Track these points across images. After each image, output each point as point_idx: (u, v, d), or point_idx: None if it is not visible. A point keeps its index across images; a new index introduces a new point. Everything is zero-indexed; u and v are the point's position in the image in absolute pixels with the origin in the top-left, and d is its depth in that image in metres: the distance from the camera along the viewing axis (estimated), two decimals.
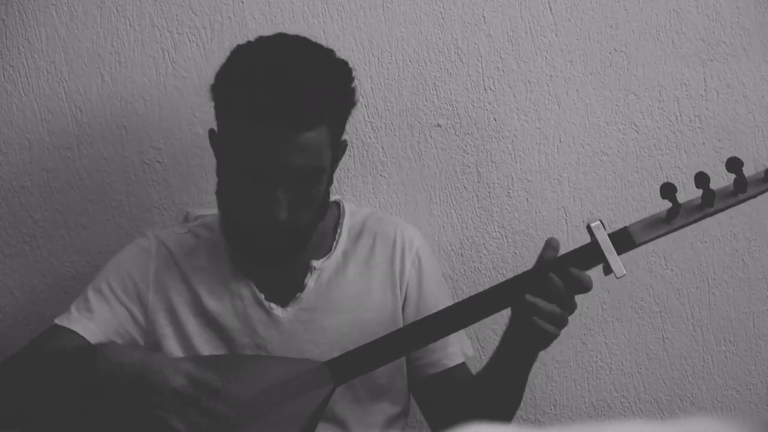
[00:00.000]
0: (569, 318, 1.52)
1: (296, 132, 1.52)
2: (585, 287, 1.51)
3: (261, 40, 1.63)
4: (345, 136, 1.65)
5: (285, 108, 1.51)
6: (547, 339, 1.53)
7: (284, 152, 1.53)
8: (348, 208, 1.76)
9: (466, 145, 1.97)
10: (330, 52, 1.63)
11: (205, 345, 1.66)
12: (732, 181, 1.50)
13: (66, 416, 1.53)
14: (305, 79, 1.54)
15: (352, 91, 1.62)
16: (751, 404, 2.02)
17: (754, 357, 2.02)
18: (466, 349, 1.73)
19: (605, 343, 2.01)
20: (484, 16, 1.95)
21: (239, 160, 1.57)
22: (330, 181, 1.65)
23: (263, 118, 1.52)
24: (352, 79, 1.62)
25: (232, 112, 1.56)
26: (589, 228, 1.52)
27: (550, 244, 1.53)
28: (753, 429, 0.83)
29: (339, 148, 1.64)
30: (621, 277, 1.50)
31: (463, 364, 1.73)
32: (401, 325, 1.69)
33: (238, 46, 1.62)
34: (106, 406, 1.48)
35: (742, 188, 1.50)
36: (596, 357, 2.01)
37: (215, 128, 1.64)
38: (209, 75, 1.61)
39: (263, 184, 1.55)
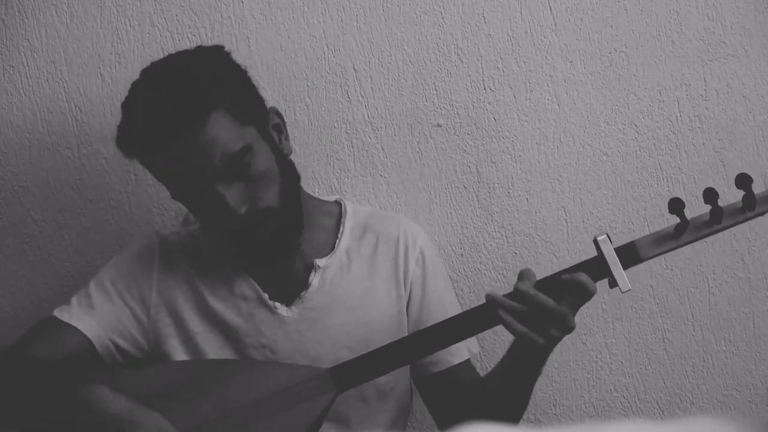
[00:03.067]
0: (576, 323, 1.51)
1: (189, 135, 1.53)
2: (588, 291, 1.49)
3: (132, 85, 1.63)
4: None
5: (165, 123, 1.52)
6: (536, 349, 1.52)
7: (194, 155, 1.53)
8: (350, 207, 1.76)
9: (466, 145, 1.97)
10: (194, 51, 1.65)
11: (210, 345, 1.66)
12: (741, 198, 1.48)
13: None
14: (168, 88, 1.55)
15: (228, 66, 1.62)
16: (751, 404, 2.02)
17: (754, 357, 2.02)
18: (471, 345, 1.73)
19: (605, 343, 2.01)
20: (484, 16, 1.95)
21: (175, 188, 1.60)
22: (280, 153, 1.63)
23: (156, 144, 1.54)
24: (225, 56, 1.62)
25: (141, 159, 1.60)
26: (595, 241, 1.51)
27: (526, 276, 1.51)
28: (753, 429, 0.83)
29: (264, 118, 1.63)
30: (626, 291, 1.50)
31: (468, 361, 1.73)
32: (406, 323, 1.70)
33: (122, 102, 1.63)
34: None
35: (751, 206, 1.49)
36: (596, 357, 2.01)
37: None
38: None
39: (205, 194, 1.56)
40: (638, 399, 2.01)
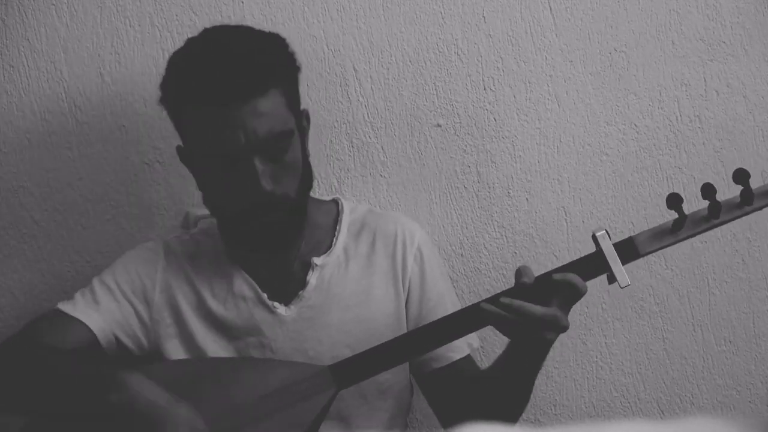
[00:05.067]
0: (569, 322, 1.52)
1: (249, 100, 1.54)
2: (578, 291, 1.50)
3: (190, 40, 1.65)
4: (304, 106, 1.68)
5: (230, 81, 1.53)
6: (537, 344, 1.52)
7: (245, 123, 1.54)
8: (347, 205, 1.77)
9: (466, 145, 1.97)
10: (260, 31, 1.66)
11: (210, 345, 1.67)
12: (738, 193, 1.49)
13: (57, 417, 1.54)
14: (241, 50, 1.57)
15: (292, 56, 1.65)
16: (751, 404, 2.02)
17: (754, 357, 2.02)
18: (471, 340, 1.73)
19: (605, 343, 2.01)
20: (484, 16, 1.95)
21: (209, 149, 1.58)
22: (305, 151, 1.65)
23: (214, 98, 1.54)
24: (287, 45, 1.65)
25: (185, 109, 1.59)
26: (594, 237, 1.51)
27: (524, 273, 1.51)
28: (753, 429, 0.83)
29: (301, 116, 1.66)
30: (625, 287, 1.50)
31: (468, 356, 1.73)
32: (405, 321, 1.70)
33: (173, 53, 1.65)
34: (105, 425, 1.48)
35: (749, 200, 1.49)
36: (596, 357, 2.01)
37: (180, 144, 1.67)
38: None
39: (239, 163, 1.57)
40: (638, 399, 2.01)
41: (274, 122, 1.56)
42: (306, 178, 1.65)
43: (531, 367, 1.59)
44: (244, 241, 1.65)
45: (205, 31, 1.67)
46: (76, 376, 1.52)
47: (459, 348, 1.71)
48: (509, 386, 1.63)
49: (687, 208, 1.50)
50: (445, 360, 1.71)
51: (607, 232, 1.51)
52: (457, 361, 1.71)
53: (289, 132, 1.59)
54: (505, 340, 1.59)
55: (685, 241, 1.98)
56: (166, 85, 1.62)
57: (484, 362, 1.93)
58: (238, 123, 1.54)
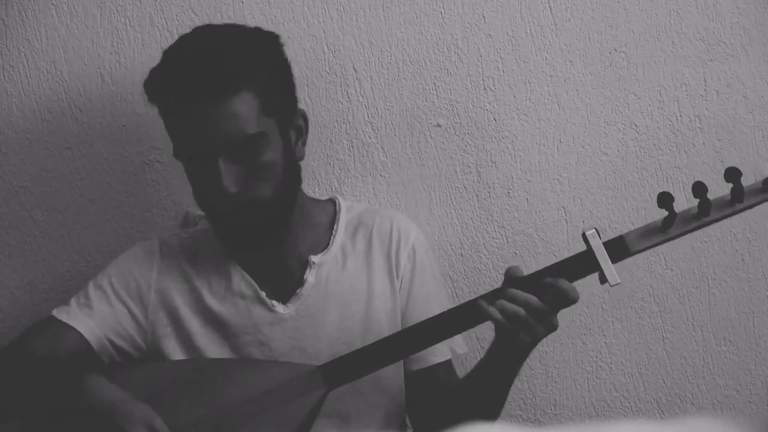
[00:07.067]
0: (561, 325, 1.53)
1: (217, 100, 1.55)
2: (569, 298, 1.51)
3: (180, 37, 1.67)
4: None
5: (198, 79, 1.55)
6: (519, 348, 1.53)
7: (210, 123, 1.55)
8: (344, 204, 1.77)
9: (466, 145, 1.97)
10: (251, 29, 1.67)
11: (208, 344, 1.67)
12: (729, 191, 1.50)
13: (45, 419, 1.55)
14: (215, 50, 1.58)
15: (277, 56, 1.65)
16: (751, 404, 2.02)
17: (754, 357, 2.02)
18: (455, 345, 1.73)
19: (605, 343, 2.01)
20: (484, 16, 1.95)
21: (180, 147, 1.61)
22: (292, 152, 1.64)
23: (182, 96, 1.56)
24: (276, 46, 1.65)
25: (161, 105, 1.61)
26: (584, 236, 1.52)
27: (514, 273, 1.53)
28: (753, 429, 0.83)
29: (286, 115, 1.64)
30: (615, 285, 1.51)
31: (449, 362, 1.73)
32: (401, 318, 1.70)
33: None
34: (80, 426, 1.49)
35: (740, 198, 1.50)
36: (596, 357, 2.01)
37: None
38: None
39: (205, 161, 1.58)
40: (638, 399, 2.01)
41: (241, 125, 1.56)
42: (288, 179, 1.63)
43: (509, 372, 1.59)
44: (227, 238, 1.66)
45: (194, 29, 1.68)
46: (55, 384, 1.53)
47: (440, 352, 1.71)
48: (484, 393, 1.63)
49: (683, 208, 1.50)
50: (423, 362, 1.71)
51: (597, 230, 1.52)
52: (435, 364, 1.71)
53: (258, 135, 1.57)
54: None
55: (686, 242, 1.99)
56: (147, 79, 1.63)
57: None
58: (204, 123, 1.56)
